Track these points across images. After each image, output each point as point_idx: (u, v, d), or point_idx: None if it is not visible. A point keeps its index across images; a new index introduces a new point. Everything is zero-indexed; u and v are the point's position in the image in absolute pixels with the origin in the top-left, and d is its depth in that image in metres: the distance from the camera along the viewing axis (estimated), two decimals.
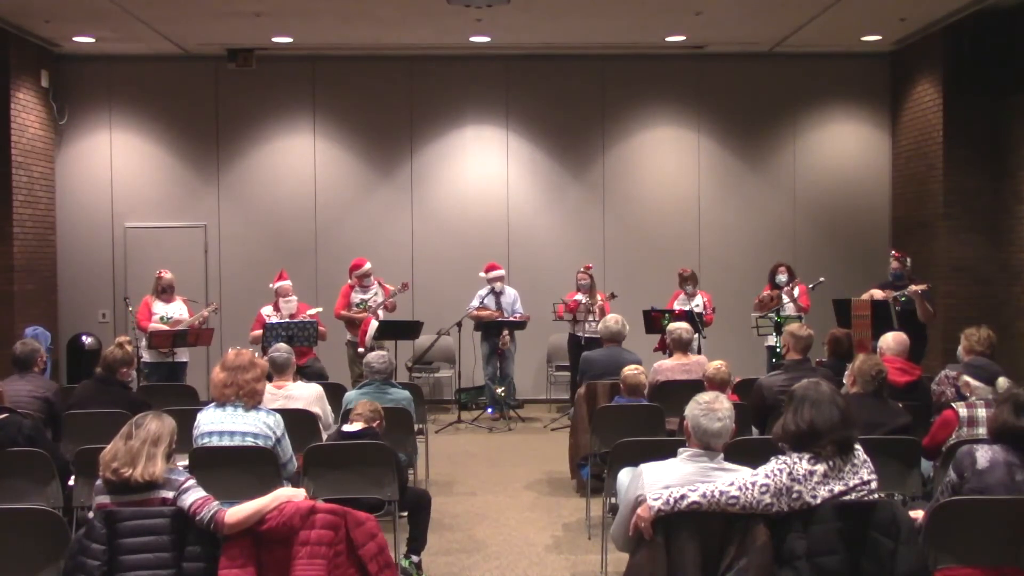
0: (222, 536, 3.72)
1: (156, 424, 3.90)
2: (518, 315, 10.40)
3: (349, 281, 10.19)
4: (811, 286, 9.76)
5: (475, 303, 10.42)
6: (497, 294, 10.41)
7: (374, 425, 5.50)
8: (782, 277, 9.83)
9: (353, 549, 3.81)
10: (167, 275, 9.46)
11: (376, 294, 10.15)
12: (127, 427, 3.89)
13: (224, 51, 11.24)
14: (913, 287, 8.69)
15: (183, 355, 9.35)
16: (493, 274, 10.46)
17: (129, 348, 6.36)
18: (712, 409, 3.71)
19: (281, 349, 6.58)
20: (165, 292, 9.41)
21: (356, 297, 10.09)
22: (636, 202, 11.84)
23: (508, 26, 10.21)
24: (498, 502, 7.21)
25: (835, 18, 9.94)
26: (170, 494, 3.78)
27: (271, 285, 9.59)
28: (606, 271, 11.52)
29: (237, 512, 3.72)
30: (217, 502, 3.78)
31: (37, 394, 6.10)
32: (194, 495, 3.77)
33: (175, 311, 9.41)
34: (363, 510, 4.00)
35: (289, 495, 3.87)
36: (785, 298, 9.63)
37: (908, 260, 9.18)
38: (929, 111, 10.79)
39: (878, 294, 8.78)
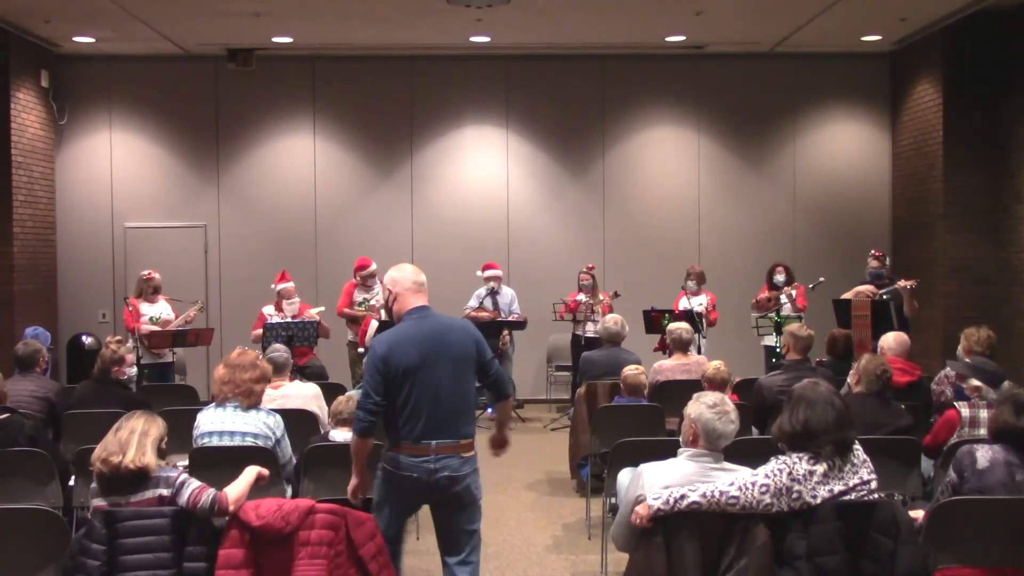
0: (225, 518, 3.74)
1: (145, 418, 3.93)
2: (515, 315, 10.39)
3: (353, 280, 10.19)
4: (811, 286, 9.76)
5: (473, 303, 10.41)
6: (494, 294, 10.39)
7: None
8: (780, 277, 9.83)
9: (353, 549, 3.81)
10: (156, 276, 9.44)
11: (378, 293, 10.14)
12: (116, 423, 3.92)
13: (224, 51, 11.23)
14: (903, 283, 8.71)
15: (168, 355, 9.33)
16: (489, 273, 10.44)
17: (115, 347, 6.34)
18: (725, 412, 3.72)
19: (279, 350, 6.57)
20: (156, 292, 9.39)
21: (358, 296, 10.09)
22: (636, 202, 11.84)
23: (508, 26, 10.20)
24: (498, 502, 7.21)
25: (835, 18, 9.94)
26: (166, 491, 3.78)
27: (273, 286, 9.59)
28: (606, 271, 11.52)
29: (234, 489, 3.77)
30: (213, 489, 3.79)
31: (39, 394, 6.12)
32: (190, 487, 3.78)
33: (160, 311, 9.39)
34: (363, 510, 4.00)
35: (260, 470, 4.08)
36: (784, 299, 9.63)
37: (887, 259, 9.28)
38: (929, 111, 10.78)
39: (866, 291, 8.78)
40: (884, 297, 8.64)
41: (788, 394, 3.86)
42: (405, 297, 4.38)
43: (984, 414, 5.03)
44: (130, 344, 9.00)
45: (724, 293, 10.65)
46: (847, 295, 8.80)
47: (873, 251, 9.49)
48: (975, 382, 5.37)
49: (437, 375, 4.16)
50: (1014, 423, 3.88)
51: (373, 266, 10.12)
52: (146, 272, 9.47)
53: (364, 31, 10.52)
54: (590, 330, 9.82)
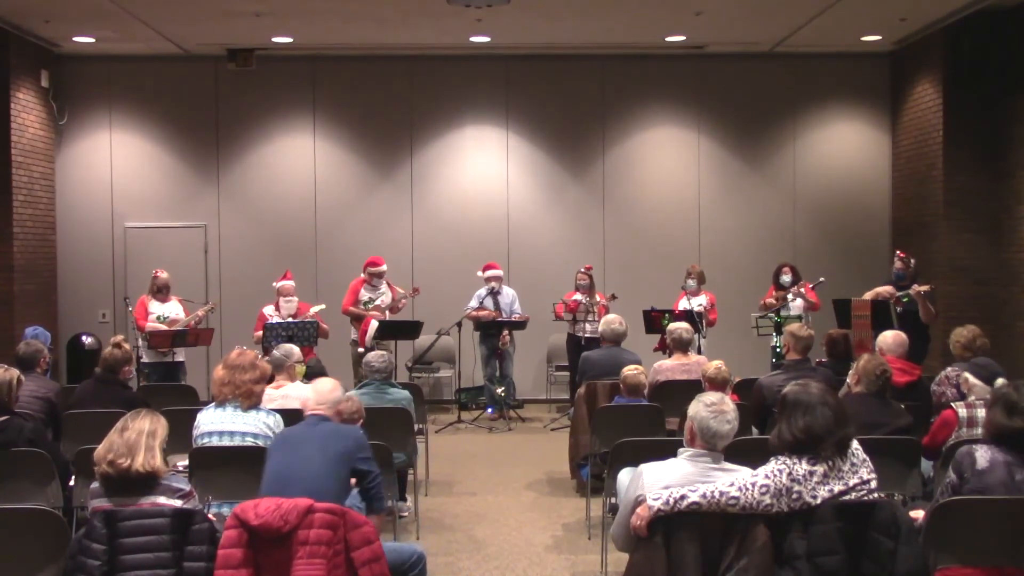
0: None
1: (150, 419, 3.91)
2: (516, 315, 10.38)
3: (362, 276, 10.18)
4: (811, 286, 9.76)
5: (473, 303, 10.41)
6: (494, 294, 10.39)
7: (358, 425, 5.48)
8: (786, 278, 9.82)
9: (348, 551, 3.78)
10: (163, 275, 9.47)
11: (384, 294, 10.14)
12: (120, 422, 3.88)
13: (224, 51, 11.23)
14: (916, 288, 8.69)
15: (180, 355, 9.35)
16: (490, 273, 10.43)
17: (127, 347, 6.37)
18: (721, 411, 3.70)
19: (281, 349, 6.58)
20: (161, 292, 9.42)
21: (365, 295, 10.08)
22: (636, 202, 11.84)
23: (508, 26, 10.21)
24: (498, 502, 7.21)
25: (835, 18, 9.94)
26: (166, 501, 3.77)
27: (274, 284, 9.59)
28: (606, 271, 11.52)
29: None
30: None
31: (39, 394, 6.12)
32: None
33: (171, 311, 9.42)
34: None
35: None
36: (791, 297, 9.60)
37: (912, 261, 9.17)
38: (929, 111, 10.78)
39: (885, 292, 8.74)
40: (903, 299, 8.62)
41: (780, 400, 3.82)
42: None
43: (982, 413, 5.02)
44: (140, 342, 9.07)
45: (724, 293, 10.65)
46: (867, 295, 8.75)
47: (898, 252, 9.43)
48: (967, 375, 5.40)
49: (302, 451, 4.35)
50: (1007, 423, 3.86)
51: (384, 266, 10.12)
52: (155, 271, 9.51)
53: (364, 31, 10.52)
54: (588, 330, 9.81)
